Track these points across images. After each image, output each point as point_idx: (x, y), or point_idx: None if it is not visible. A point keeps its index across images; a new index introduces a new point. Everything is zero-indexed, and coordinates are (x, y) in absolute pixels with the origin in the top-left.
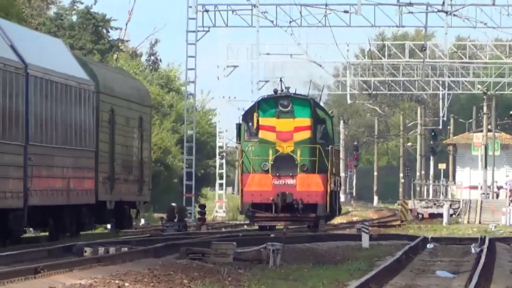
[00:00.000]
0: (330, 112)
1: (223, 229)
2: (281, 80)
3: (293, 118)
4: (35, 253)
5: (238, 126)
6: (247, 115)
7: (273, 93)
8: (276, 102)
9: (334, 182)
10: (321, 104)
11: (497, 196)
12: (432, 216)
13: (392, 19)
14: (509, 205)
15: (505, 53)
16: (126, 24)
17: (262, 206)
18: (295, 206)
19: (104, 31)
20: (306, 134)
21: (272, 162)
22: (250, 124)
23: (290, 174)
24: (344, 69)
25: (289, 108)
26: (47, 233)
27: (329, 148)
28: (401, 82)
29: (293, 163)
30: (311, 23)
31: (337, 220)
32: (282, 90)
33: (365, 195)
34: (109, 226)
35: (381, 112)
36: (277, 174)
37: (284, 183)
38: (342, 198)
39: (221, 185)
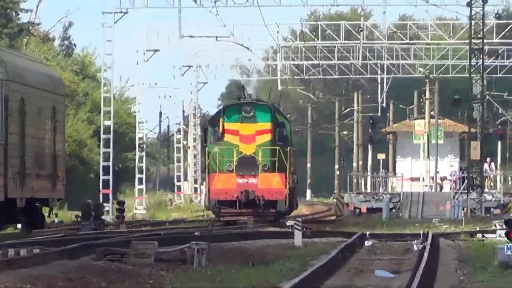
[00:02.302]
0: (288, 116)
1: (144, 228)
2: (243, 88)
3: (255, 123)
4: None
5: (205, 130)
6: (214, 120)
7: (236, 99)
8: (240, 108)
9: (292, 180)
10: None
11: (441, 188)
12: (371, 210)
13: None
14: (454, 197)
15: (448, 33)
16: (37, 6)
17: (227, 203)
18: (257, 202)
19: (13, 13)
20: (267, 137)
21: (236, 163)
22: (216, 128)
23: (253, 174)
24: (274, 52)
25: (251, 113)
26: None
27: (288, 149)
28: (336, 65)
29: (255, 164)
30: (237, 3)
31: None
32: (245, 97)
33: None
34: (19, 225)
35: (315, 99)
36: (241, 174)
37: (247, 182)
38: None
39: (140, 179)
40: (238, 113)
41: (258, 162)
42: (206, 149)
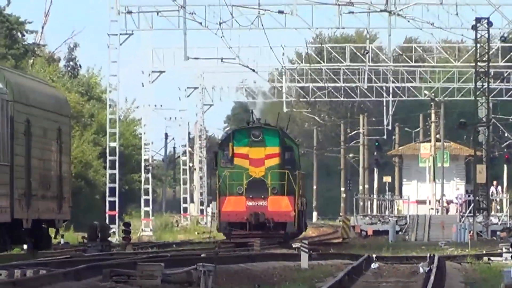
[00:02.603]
0: (296, 140)
1: (150, 249)
2: (252, 112)
3: (264, 147)
4: None
5: (215, 154)
6: (223, 144)
7: (245, 124)
8: (249, 133)
9: (301, 203)
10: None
11: (447, 211)
12: (377, 233)
13: (332, 20)
14: (460, 220)
15: (454, 56)
16: (42, 27)
17: (237, 225)
18: (267, 224)
19: (19, 34)
20: (276, 161)
21: (246, 186)
22: (226, 152)
23: (262, 196)
24: (279, 74)
25: (260, 138)
26: None
27: (296, 172)
28: (342, 88)
29: (265, 187)
30: (243, 25)
31: None
32: (253, 121)
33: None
34: (25, 246)
35: (320, 121)
36: (251, 196)
37: (257, 204)
38: None
39: (147, 201)
40: (247, 137)
41: (267, 185)
42: (216, 172)
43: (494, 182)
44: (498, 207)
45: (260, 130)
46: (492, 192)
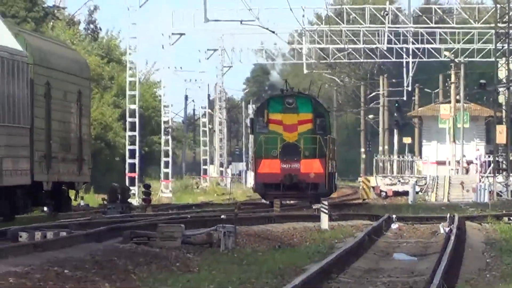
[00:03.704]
0: (327, 107)
1: (170, 211)
2: (286, 81)
3: (297, 113)
4: None
5: (251, 120)
6: (259, 111)
7: (280, 92)
8: (283, 100)
9: (331, 166)
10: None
11: (467, 171)
12: (397, 194)
13: None
14: (480, 181)
15: (474, 17)
16: None
17: (273, 186)
18: (300, 185)
19: None
20: (308, 126)
21: (280, 150)
22: (261, 118)
23: (295, 159)
24: (299, 36)
25: (293, 105)
26: None
27: (327, 137)
28: (362, 49)
29: (298, 150)
30: None
31: None
32: (287, 90)
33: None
34: (46, 208)
35: (340, 82)
36: (285, 159)
37: (290, 167)
38: None
39: (166, 163)
40: (281, 104)
41: (300, 149)
42: (253, 137)
43: None
44: None
45: (293, 97)
46: None
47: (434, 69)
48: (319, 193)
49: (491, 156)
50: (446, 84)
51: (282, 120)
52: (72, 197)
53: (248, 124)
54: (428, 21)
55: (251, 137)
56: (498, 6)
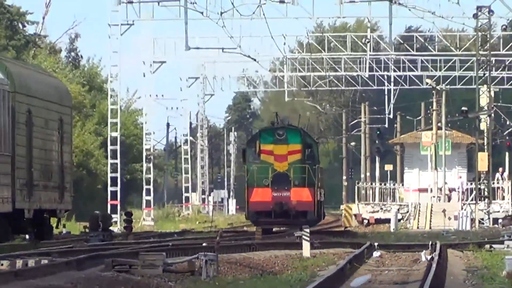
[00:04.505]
0: (316, 138)
1: (152, 239)
2: (276, 114)
3: (287, 144)
4: None
5: (244, 151)
6: (251, 142)
7: (270, 124)
8: (274, 132)
9: (320, 194)
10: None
11: (449, 199)
12: (379, 221)
13: (332, 9)
14: (462, 208)
15: (455, 45)
16: (43, 17)
17: (264, 213)
18: (290, 213)
19: (20, 25)
20: (298, 157)
21: (271, 179)
22: (253, 149)
23: (286, 188)
24: (281, 63)
25: (284, 136)
26: None
27: (316, 166)
28: (343, 77)
29: (288, 179)
30: (244, 15)
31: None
32: (278, 122)
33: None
34: (27, 236)
35: (322, 110)
36: (275, 188)
37: (281, 195)
38: None
39: (148, 191)
40: (272, 136)
41: (290, 178)
42: (245, 167)
43: (500, 169)
44: (504, 194)
45: (283, 129)
46: (498, 178)
47: (415, 96)
48: (308, 220)
49: (473, 183)
50: (428, 111)
51: (273, 151)
52: (54, 225)
53: (229, 155)
54: (409, 49)
55: (237, 166)
56: (479, 33)
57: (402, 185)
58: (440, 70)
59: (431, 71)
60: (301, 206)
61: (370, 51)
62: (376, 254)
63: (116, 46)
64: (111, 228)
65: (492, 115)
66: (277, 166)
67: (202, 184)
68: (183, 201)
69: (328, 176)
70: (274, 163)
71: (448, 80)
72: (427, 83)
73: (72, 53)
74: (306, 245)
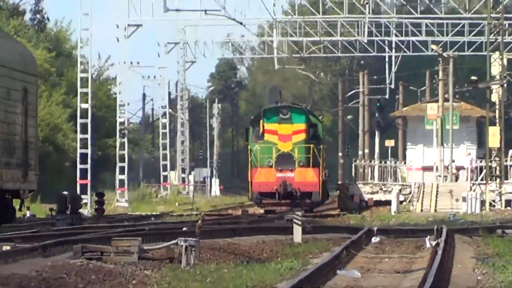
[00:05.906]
0: (320, 117)
1: (126, 222)
2: (280, 92)
3: (291, 124)
4: None
5: (247, 130)
6: (254, 121)
7: (274, 103)
8: (278, 111)
9: (324, 174)
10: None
11: (456, 178)
12: (379, 203)
13: None
14: (471, 189)
15: (463, 7)
16: None
17: (268, 195)
18: (294, 194)
19: None
20: (302, 136)
21: (275, 159)
22: (257, 128)
23: (290, 168)
24: (270, 27)
25: (288, 115)
26: None
27: (320, 147)
28: (339, 42)
29: (292, 160)
30: None
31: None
32: (281, 101)
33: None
34: None
35: (315, 79)
36: (279, 169)
37: (285, 176)
38: None
39: (122, 169)
40: (276, 115)
41: (294, 158)
42: (248, 146)
43: None
44: None
45: (288, 108)
46: (511, 155)
47: (419, 64)
48: (313, 201)
49: (483, 161)
50: (433, 81)
51: (277, 130)
52: (17, 207)
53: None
54: (413, 11)
55: (221, 142)
56: None
57: (405, 163)
58: (447, 35)
59: (437, 36)
60: (306, 187)
61: (369, 13)
62: (375, 240)
63: (87, 7)
64: (80, 210)
65: (505, 85)
66: (281, 146)
67: (182, 161)
68: (161, 181)
69: None
70: (278, 143)
71: (456, 46)
72: (432, 50)
73: (38, 15)
74: (297, 229)
